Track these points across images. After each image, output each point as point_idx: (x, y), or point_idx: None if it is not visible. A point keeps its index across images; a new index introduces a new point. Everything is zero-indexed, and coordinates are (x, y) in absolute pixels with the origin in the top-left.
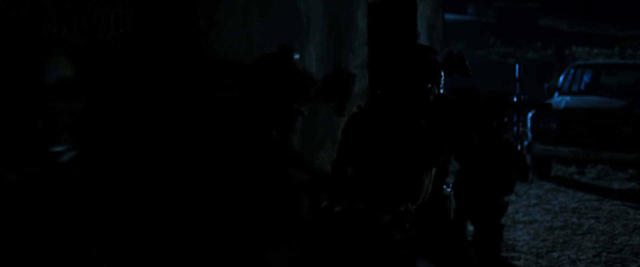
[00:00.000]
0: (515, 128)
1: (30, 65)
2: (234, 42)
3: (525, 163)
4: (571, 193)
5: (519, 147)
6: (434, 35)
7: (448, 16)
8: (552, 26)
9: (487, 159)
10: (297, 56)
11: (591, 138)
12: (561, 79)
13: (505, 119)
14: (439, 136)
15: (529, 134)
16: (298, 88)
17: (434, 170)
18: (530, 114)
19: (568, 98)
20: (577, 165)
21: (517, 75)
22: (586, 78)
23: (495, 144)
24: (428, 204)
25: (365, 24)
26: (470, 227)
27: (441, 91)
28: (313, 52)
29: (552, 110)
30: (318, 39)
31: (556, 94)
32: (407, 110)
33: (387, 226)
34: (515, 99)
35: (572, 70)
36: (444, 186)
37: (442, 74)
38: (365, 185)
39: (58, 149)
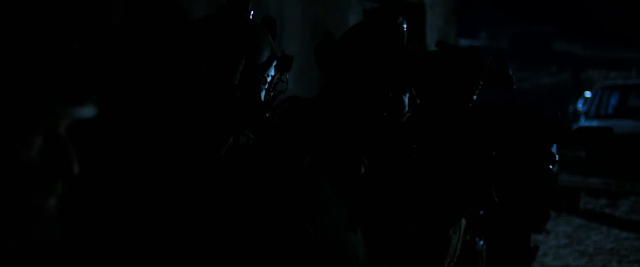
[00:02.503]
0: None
1: None
2: None
3: (557, 191)
4: (605, 230)
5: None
6: None
7: (460, 41)
8: (566, 50)
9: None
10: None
11: (625, 167)
12: (580, 102)
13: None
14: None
15: None
16: None
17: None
18: None
19: (596, 123)
20: (608, 197)
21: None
22: (613, 101)
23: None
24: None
25: None
26: None
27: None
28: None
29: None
30: (296, 48)
31: (582, 118)
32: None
33: None
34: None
35: (598, 92)
36: (477, 238)
37: (479, 82)
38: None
39: None
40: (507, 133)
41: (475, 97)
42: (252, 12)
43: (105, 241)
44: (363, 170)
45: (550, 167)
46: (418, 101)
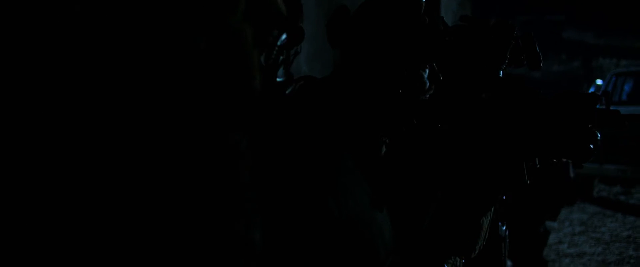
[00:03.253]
0: None
1: None
2: None
3: (572, 184)
4: (620, 218)
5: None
6: None
7: None
8: (577, 38)
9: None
10: None
11: None
12: (591, 90)
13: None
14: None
15: None
16: None
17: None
18: None
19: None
20: (622, 185)
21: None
22: (627, 87)
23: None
24: (481, 252)
25: None
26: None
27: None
28: (303, 47)
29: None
30: (310, 31)
31: (597, 106)
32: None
33: None
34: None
35: (613, 79)
36: (500, 223)
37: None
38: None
39: None
40: (543, 110)
41: (501, 72)
42: None
43: None
44: (384, 149)
45: (591, 146)
46: (441, 77)
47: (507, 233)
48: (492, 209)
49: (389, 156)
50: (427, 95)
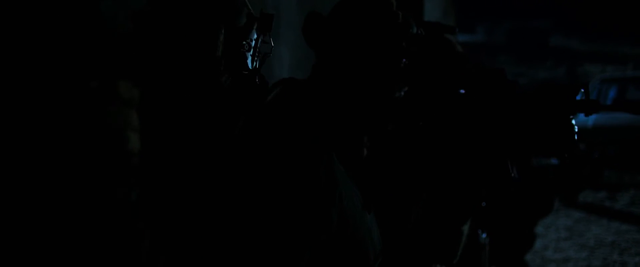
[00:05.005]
0: None
1: None
2: None
3: (551, 194)
4: (605, 223)
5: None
6: None
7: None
8: (563, 45)
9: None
10: None
11: (626, 160)
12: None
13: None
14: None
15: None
16: None
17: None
18: None
19: (594, 115)
20: (607, 190)
21: None
22: (611, 93)
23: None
24: (462, 259)
25: None
26: None
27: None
28: (286, 55)
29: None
30: (292, 39)
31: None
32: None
33: None
34: None
35: (597, 85)
36: (479, 231)
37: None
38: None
39: None
40: (523, 103)
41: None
42: None
43: None
44: (365, 151)
45: (575, 138)
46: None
47: (487, 241)
48: (472, 216)
49: (374, 156)
50: (402, 92)
